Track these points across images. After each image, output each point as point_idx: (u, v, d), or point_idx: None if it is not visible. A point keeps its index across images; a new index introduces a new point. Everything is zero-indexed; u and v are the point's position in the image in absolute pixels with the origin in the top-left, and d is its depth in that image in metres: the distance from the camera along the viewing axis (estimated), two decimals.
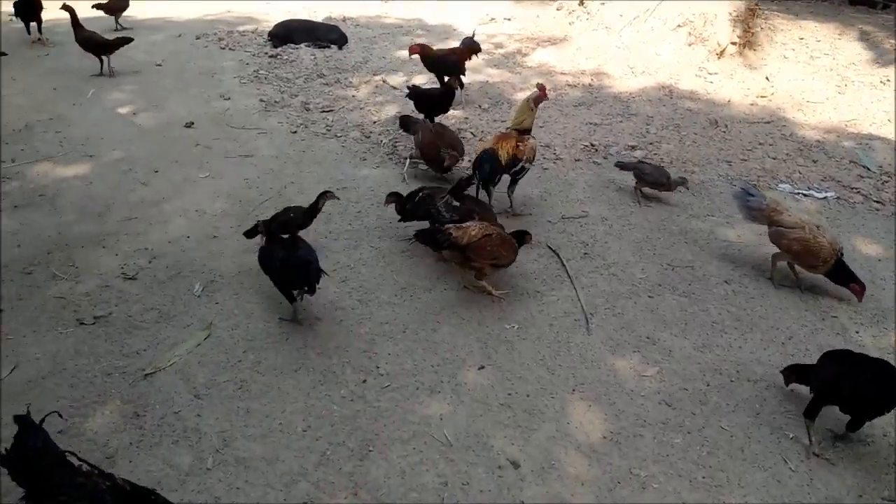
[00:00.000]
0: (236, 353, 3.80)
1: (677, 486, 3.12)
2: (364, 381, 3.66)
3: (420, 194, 4.77)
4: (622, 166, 5.67)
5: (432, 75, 7.44)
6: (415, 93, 6.41)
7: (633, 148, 6.49)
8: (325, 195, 4.55)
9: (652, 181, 5.47)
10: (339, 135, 6.56)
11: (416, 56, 7.19)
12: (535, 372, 3.77)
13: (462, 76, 7.18)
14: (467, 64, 7.45)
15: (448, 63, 7.17)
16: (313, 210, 4.58)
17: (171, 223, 4.99)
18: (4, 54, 7.94)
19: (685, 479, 3.15)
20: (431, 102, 6.39)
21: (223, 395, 3.50)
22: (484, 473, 3.13)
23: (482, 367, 3.79)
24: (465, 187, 4.85)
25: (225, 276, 4.46)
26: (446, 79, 6.76)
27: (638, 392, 3.65)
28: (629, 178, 5.67)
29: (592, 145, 6.54)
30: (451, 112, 6.78)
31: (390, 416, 3.44)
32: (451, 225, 4.17)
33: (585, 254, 4.83)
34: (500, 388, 3.65)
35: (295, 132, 6.59)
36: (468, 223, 4.20)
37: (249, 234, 4.54)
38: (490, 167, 4.87)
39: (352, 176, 5.77)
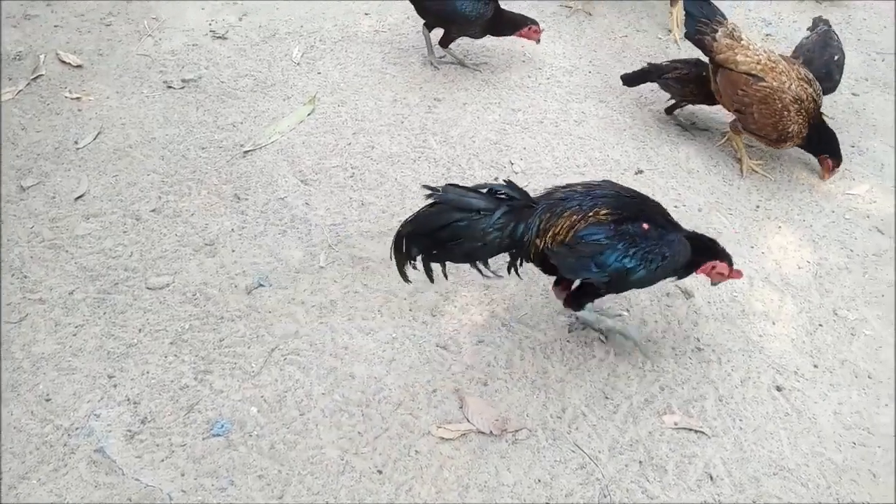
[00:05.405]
0: (345, 134, 3.22)
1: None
2: (496, 178, 3.05)
3: None
4: None
5: None
6: None
7: None
8: None
9: None
10: None
11: None
12: (707, 181, 3.06)
13: None
14: None
15: None
16: None
17: None
18: None
19: None
20: None
21: (333, 183, 2.97)
22: (648, 302, 2.58)
23: (640, 172, 3.10)
24: None
25: (326, 41, 3.75)
26: None
27: (841, 214, 2.92)
28: None
29: None
30: None
31: None
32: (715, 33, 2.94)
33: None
34: (664, 197, 2.97)
35: None
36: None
37: None
38: None
39: None
